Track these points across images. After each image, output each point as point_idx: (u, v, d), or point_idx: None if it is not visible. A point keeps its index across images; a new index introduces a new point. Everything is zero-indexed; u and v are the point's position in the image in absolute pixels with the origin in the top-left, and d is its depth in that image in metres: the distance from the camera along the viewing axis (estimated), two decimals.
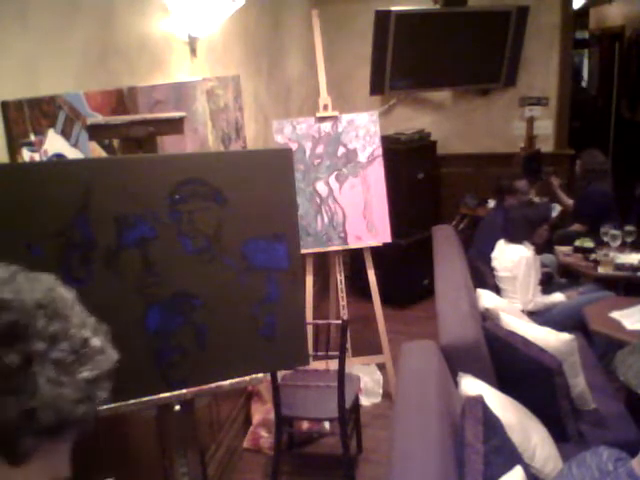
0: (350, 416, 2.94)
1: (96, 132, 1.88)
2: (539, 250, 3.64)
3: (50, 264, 1.62)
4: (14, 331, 0.69)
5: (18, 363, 0.67)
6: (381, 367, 3.77)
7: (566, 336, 2.56)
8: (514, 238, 3.52)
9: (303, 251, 3.36)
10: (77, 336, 0.73)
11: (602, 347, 3.25)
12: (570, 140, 5.53)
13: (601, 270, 3.72)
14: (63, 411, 0.69)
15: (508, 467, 1.68)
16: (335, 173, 3.52)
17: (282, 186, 1.84)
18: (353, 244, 3.55)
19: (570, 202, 4.78)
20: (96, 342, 0.75)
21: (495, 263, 3.59)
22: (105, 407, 1.72)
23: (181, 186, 1.70)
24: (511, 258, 3.47)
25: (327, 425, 3.28)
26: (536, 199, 4.67)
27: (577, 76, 9.35)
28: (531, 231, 3.54)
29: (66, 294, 0.78)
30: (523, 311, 3.32)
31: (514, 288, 3.47)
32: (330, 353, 2.87)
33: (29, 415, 0.67)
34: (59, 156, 1.92)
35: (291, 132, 3.49)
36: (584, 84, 9.72)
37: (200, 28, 2.79)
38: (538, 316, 3.31)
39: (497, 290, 3.49)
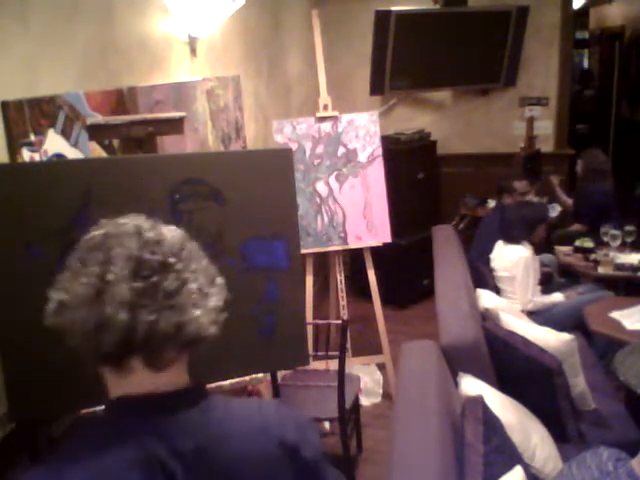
0: (350, 416, 2.94)
1: (96, 132, 1.88)
2: (538, 250, 3.64)
3: (50, 264, 1.62)
4: (169, 262, 0.87)
5: (174, 287, 0.86)
6: (381, 367, 3.77)
7: (566, 336, 2.56)
8: (512, 238, 3.52)
9: (303, 251, 3.36)
10: (209, 272, 0.94)
11: (602, 347, 3.25)
12: (577, 144, 5.54)
13: (601, 270, 3.72)
14: (201, 328, 0.89)
15: (508, 467, 1.68)
16: (335, 173, 3.52)
17: (282, 186, 1.84)
18: (353, 244, 3.55)
19: (569, 201, 4.78)
20: (219, 280, 0.95)
21: (494, 263, 3.59)
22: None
23: (181, 186, 1.71)
24: (510, 258, 3.47)
25: (327, 425, 3.28)
26: (535, 199, 4.67)
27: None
28: (529, 231, 3.54)
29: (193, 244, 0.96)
30: (523, 311, 3.32)
31: (513, 288, 3.47)
32: (330, 353, 2.87)
33: (179, 328, 0.86)
34: (59, 156, 1.92)
35: (291, 132, 3.49)
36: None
37: (200, 28, 2.79)
38: (538, 316, 3.31)
39: (497, 290, 3.49)
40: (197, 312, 0.88)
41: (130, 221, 0.93)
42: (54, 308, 0.88)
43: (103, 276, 0.84)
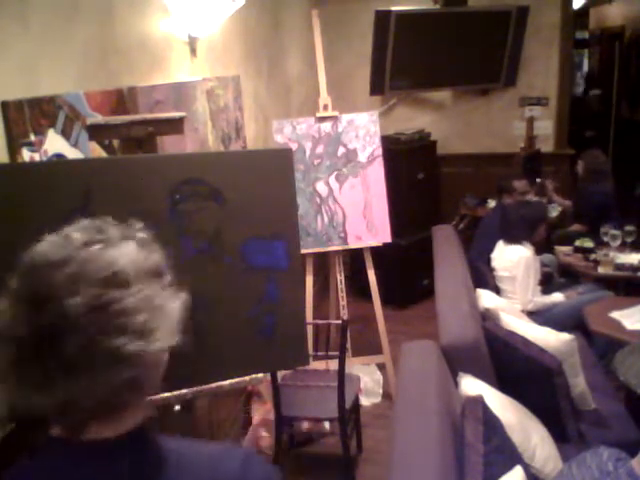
0: (350, 416, 2.94)
1: (96, 132, 1.88)
2: (538, 250, 3.63)
3: None
4: (44, 337, 0.75)
5: (47, 370, 0.75)
6: (381, 367, 3.77)
7: (566, 336, 2.56)
8: (513, 238, 3.51)
9: (303, 251, 3.36)
10: (110, 343, 0.77)
11: (602, 347, 3.25)
12: (577, 144, 5.54)
13: (601, 270, 3.72)
14: (103, 400, 0.77)
15: (508, 467, 1.68)
16: (335, 173, 3.52)
17: (282, 186, 1.84)
18: (353, 244, 3.55)
19: (567, 203, 4.78)
20: (133, 347, 0.78)
21: (494, 263, 3.59)
22: None
23: (181, 186, 1.71)
24: (510, 258, 3.47)
25: (327, 425, 3.28)
26: (535, 199, 4.67)
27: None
28: (529, 231, 3.54)
29: (114, 294, 0.80)
30: (523, 311, 3.32)
31: (513, 288, 3.47)
32: (330, 353, 2.87)
33: (64, 408, 0.76)
34: (59, 156, 1.92)
35: (291, 132, 3.49)
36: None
37: (200, 28, 2.79)
38: (538, 316, 3.31)
39: (497, 290, 3.49)
40: (85, 390, 0.76)
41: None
42: None
43: None
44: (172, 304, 0.83)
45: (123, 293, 0.77)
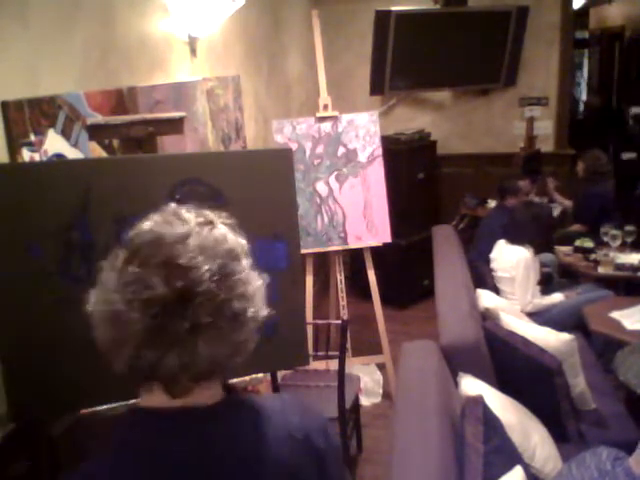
0: (350, 416, 2.94)
1: (96, 132, 1.88)
2: (538, 250, 3.63)
3: (49, 264, 1.62)
4: (185, 299, 0.81)
5: (185, 328, 0.81)
6: (381, 367, 3.77)
7: (566, 336, 2.56)
8: (518, 239, 3.50)
9: (303, 251, 3.36)
10: (235, 307, 0.86)
11: (600, 346, 3.24)
12: (577, 145, 5.53)
13: (601, 270, 3.72)
14: (215, 364, 0.85)
15: (508, 467, 1.68)
16: (335, 173, 3.52)
17: (282, 186, 1.84)
18: (353, 244, 3.55)
19: (567, 202, 4.78)
20: (250, 313, 0.89)
21: (494, 264, 3.59)
22: (105, 407, 1.72)
23: (181, 186, 1.71)
24: (510, 259, 3.46)
25: None
26: (536, 199, 4.67)
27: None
28: (539, 230, 3.54)
29: (233, 266, 0.88)
30: (522, 311, 3.32)
31: (512, 289, 3.47)
32: (330, 353, 2.87)
33: (185, 366, 0.82)
34: (59, 156, 1.92)
35: (291, 132, 3.49)
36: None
37: (200, 28, 2.79)
38: (538, 316, 3.31)
39: (496, 291, 3.48)
40: (207, 352, 0.84)
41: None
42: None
43: (129, 302, 0.83)
44: (260, 281, 0.92)
45: (239, 266, 0.88)
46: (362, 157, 3.52)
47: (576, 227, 4.55)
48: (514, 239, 3.51)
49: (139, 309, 0.81)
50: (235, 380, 2.23)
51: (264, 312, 0.92)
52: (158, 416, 0.88)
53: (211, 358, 0.84)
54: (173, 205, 0.93)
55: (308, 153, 3.50)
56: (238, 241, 0.91)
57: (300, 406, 1.01)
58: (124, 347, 0.83)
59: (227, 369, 0.90)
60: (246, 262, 0.90)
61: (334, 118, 3.52)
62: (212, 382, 0.90)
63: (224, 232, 0.90)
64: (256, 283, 0.91)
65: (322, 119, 3.52)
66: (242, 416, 0.93)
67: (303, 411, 1.00)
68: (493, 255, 3.60)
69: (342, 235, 3.52)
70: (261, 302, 0.92)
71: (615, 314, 3.07)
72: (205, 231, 0.87)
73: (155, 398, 0.88)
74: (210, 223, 0.90)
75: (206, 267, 0.83)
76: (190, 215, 0.90)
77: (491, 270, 3.60)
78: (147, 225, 0.88)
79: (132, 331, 0.82)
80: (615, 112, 8.06)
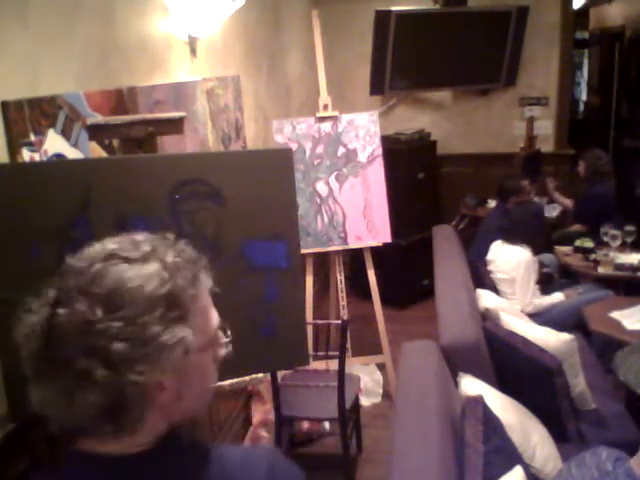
0: (350, 416, 2.94)
1: (96, 132, 1.88)
2: (538, 250, 3.63)
3: (49, 264, 1.62)
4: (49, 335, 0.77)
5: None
6: (381, 367, 3.77)
7: (566, 336, 2.56)
8: (517, 238, 3.49)
9: (303, 251, 3.36)
10: (79, 364, 0.75)
11: (600, 346, 3.24)
12: (577, 145, 5.53)
13: (601, 270, 3.72)
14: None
15: (508, 467, 1.68)
16: (335, 173, 3.52)
17: (282, 186, 1.84)
18: (353, 244, 3.55)
19: (567, 202, 4.78)
20: (99, 374, 0.76)
21: (491, 266, 3.56)
22: None
23: (181, 186, 1.71)
24: (509, 259, 3.46)
25: (327, 425, 3.28)
26: (536, 199, 4.67)
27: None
28: (538, 227, 3.54)
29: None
30: (522, 311, 3.32)
31: (512, 290, 3.46)
32: (330, 353, 2.87)
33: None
34: (59, 156, 1.92)
35: (291, 132, 3.49)
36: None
37: (200, 28, 2.79)
38: (538, 316, 3.31)
39: (496, 291, 3.48)
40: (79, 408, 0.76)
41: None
42: None
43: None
44: (170, 338, 0.77)
45: (110, 315, 0.75)
46: (362, 157, 3.52)
47: (576, 227, 4.55)
48: (513, 239, 3.51)
49: (24, 341, 0.81)
50: (235, 380, 2.23)
51: (149, 377, 0.76)
52: (86, 458, 0.82)
53: (75, 416, 0.77)
54: (140, 232, 0.86)
55: (308, 153, 3.50)
56: (148, 287, 0.77)
57: (270, 460, 0.89)
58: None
59: (129, 425, 0.79)
60: (131, 312, 0.75)
61: (334, 118, 3.52)
62: (131, 433, 0.79)
63: (135, 273, 0.78)
64: (141, 339, 0.75)
65: (322, 119, 3.52)
66: (157, 472, 0.82)
67: (271, 468, 0.87)
68: (490, 256, 3.59)
69: (342, 235, 3.52)
70: (153, 363, 0.76)
71: (615, 314, 3.07)
72: (104, 267, 0.78)
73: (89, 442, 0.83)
74: (123, 258, 0.79)
75: (67, 309, 0.76)
76: (115, 245, 0.82)
77: (489, 272, 3.58)
78: (83, 250, 0.84)
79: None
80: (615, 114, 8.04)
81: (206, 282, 0.86)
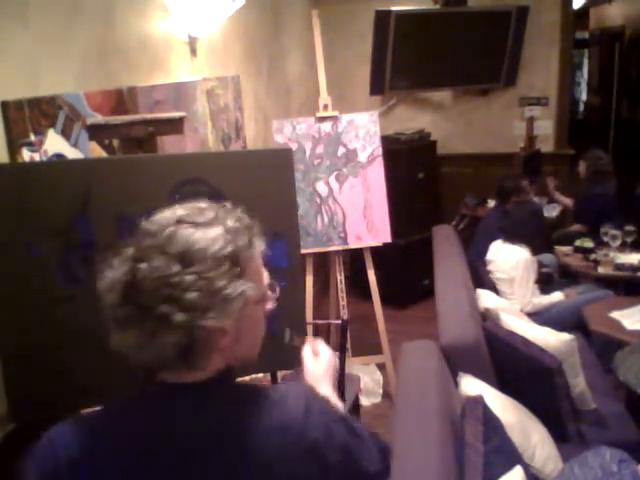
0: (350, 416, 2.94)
1: (96, 132, 1.88)
2: (537, 249, 3.63)
3: (49, 264, 1.62)
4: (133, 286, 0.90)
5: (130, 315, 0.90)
6: (381, 367, 3.77)
7: (566, 336, 2.56)
8: (517, 238, 3.49)
9: (303, 251, 3.35)
10: (160, 310, 0.88)
11: (600, 346, 3.24)
12: (577, 145, 5.53)
13: (601, 270, 3.72)
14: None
15: (508, 467, 1.68)
16: (335, 173, 3.52)
17: (282, 186, 1.84)
18: (353, 244, 3.55)
19: (567, 201, 4.77)
20: (178, 318, 0.89)
21: (491, 266, 3.55)
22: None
23: (181, 186, 1.71)
24: (508, 259, 3.46)
25: None
26: (535, 199, 4.67)
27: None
28: (538, 227, 3.54)
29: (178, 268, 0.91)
30: (522, 310, 3.32)
31: (512, 290, 3.46)
32: None
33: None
34: (59, 156, 1.92)
35: (291, 132, 3.49)
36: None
37: (200, 28, 2.79)
38: (538, 316, 3.31)
39: (495, 291, 3.48)
40: (142, 340, 0.90)
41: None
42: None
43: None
44: (232, 291, 0.91)
45: (184, 270, 0.88)
46: (362, 157, 3.52)
47: (576, 227, 4.54)
48: (513, 238, 3.51)
49: (107, 293, 0.91)
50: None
51: (217, 322, 0.90)
52: (152, 385, 0.97)
53: (149, 354, 0.91)
54: (200, 200, 0.99)
55: (308, 153, 3.50)
56: (213, 247, 0.91)
57: (307, 398, 1.00)
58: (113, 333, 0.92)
59: (196, 359, 0.93)
60: (201, 268, 0.89)
61: (334, 118, 3.52)
62: (196, 367, 0.94)
63: (201, 236, 0.91)
64: (209, 290, 0.89)
65: (322, 119, 3.52)
66: (220, 397, 0.96)
67: (308, 406, 0.97)
68: (489, 256, 3.58)
69: (342, 235, 3.52)
70: (220, 311, 0.90)
71: (615, 314, 3.07)
72: (175, 230, 0.91)
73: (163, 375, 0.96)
74: (191, 223, 0.92)
75: (146, 265, 0.89)
76: (182, 211, 0.95)
77: (488, 272, 3.58)
78: (154, 215, 0.96)
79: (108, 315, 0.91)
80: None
81: (259, 245, 1.02)
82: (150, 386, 0.97)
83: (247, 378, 2.29)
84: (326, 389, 1.26)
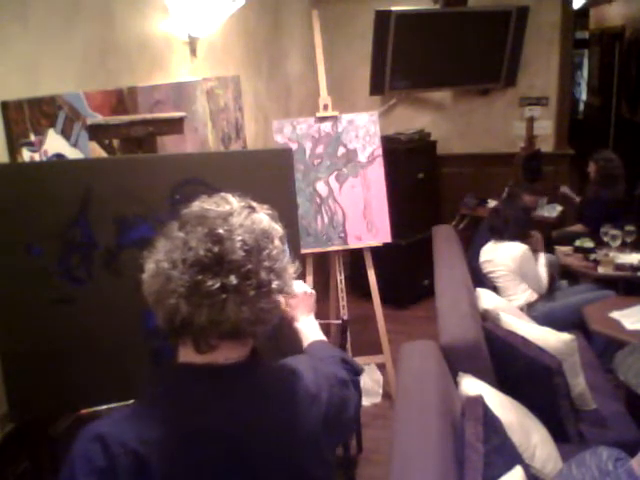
0: None
1: (96, 132, 1.88)
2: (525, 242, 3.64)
3: (49, 264, 1.62)
4: (220, 262, 0.96)
5: (216, 287, 0.95)
6: (381, 367, 3.77)
7: (566, 336, 2.56)
8: (510, 236, 3.49)
9: (303, 251, 3.35)
10: (261, 277, 0.99)
11: (600, 345, 3.24)
12: (577, 146, 5.53)
13: (601, 270, 3.72)
14: (238, 325, 0.98)
15: (508, 467, 1.68)
16: (335, 173, 3.52)
17: (282, 186, 1.84)
18: (353, 244, 3.55)
19: (575, 198, 4.76)
20: (275, 285, 1.01)
21: (489, 266, 3.53)
22: (104, 407, 1.72)
23: (181, 186, 1.71)
24: (509, 255, 3.45)
25: None
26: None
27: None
28: (528, 222, 3.56)
29: (265, 243, 1.02)
30: (522, 310, 3.32)
31: (514, 287, 3.46)
32: None
33: (213, 323, 0.96)
34: (59, 156, 1.92)
35: (291, 132, 3.49)
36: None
37: (200, 28, 2.79)
38: (538, 315, 3.30)
39: (495, 291, 3.47)
40: (233, 312, 0.96)
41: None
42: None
43: (174, 261, 0.97)
44: (290, 264, 1.06)
45: (270, 244, 1.01)
46: (362, 157, 3.52)
47: (578, 227, 4.53)
48: (507, 236, 3.50)
49: (180, 268, 0.96)
50: None
51: (290, 288, 1.05)
52: (186, 370, 1.02)
53: (235, 319, 0.96)
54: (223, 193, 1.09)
55: (308, 153, 3.50)
56: (273, 226, 1.05)
57: (312, 363, 1.16)
58: (165, 300, 0.96)
59: (250, 334, 1.02)
60: (278, 243, 1.04)
61: (334, 118, 3.52)
62: (236, 343, 1.02)
63: (261, 217, 1.04)
64: (285, 262, 1.04)
65: (322, 119, 3.52)
66: (263, 375, 1.06)
67: (315, 369, 1.14)
68: (487, 257, 3.55)
69: (342, 235, 3.52)
70: (289, 280, 1.05)
71: (615, 314, 3.07)
72: (245, 213, 1.02)
73: (187, 354, 1.02)
74: (251, 208, 1.05)
75: (239, 239, 0.97)
76: (235, 200, 1.06)
77: (488, 273, 3.56)
78: (197, 204, 1.05)
79: (173, 286, 0.95)
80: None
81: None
82: (193, 369, 1.01)
83: None
84: (307, 320, 1.45)
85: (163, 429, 0.94)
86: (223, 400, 0.99)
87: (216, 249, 0.96)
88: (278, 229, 1.06)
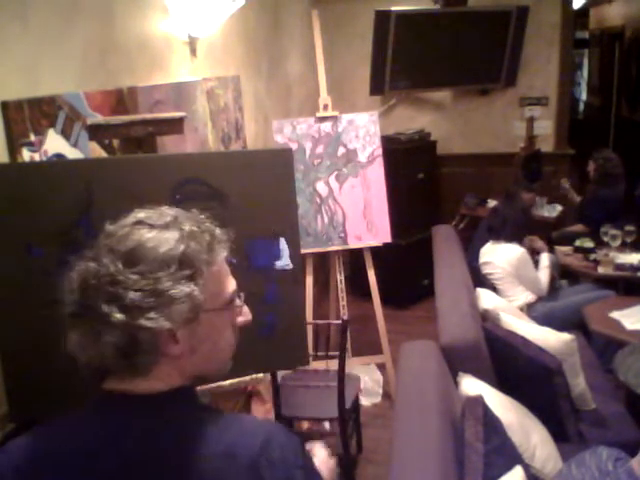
0: (350, 416, 2.94)
1: (96, 132, 1.88)
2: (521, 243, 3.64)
3: (50, 265, 1.62)
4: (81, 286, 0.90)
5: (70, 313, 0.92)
6: (381, 367, 3.77)
7: (566, 336, 2.56)
8: (508, 236, 3.49)
9: (303, 251, 3.35)
10: (101, 309, 0.88)
11: (600, 346, 3.24)
12: (577, 146, 5.52)
13: (601, 270, 3.72)
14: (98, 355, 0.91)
15: (508, 467, 1.68)
16: (335, 173, 3.52)
17: (282, 186, 1.84)
18: (353, 244, 3.55)
19: (576, 198, 4.76)
20: (115, 318, 0.88)
21: (488, 267, 3.53)
22: None
23: (181, 186, 1.70)
24: (506, 258, 3.45)
25: (327, 425, 3.28)
26: (537, 199, 4.67)
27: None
28: (527, 222, 3.57)
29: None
30: (522, 310, 3.32)
31: (512, 286, 3.46)
32: (330, 353, 2.87)
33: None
34: (59, 156, 1.92)
35: (291, 132, 3.49)
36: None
37: (200, 28, 2.79)
38: (538, 315, 3.31)
39: (495, 291, 3.47)
40: (84, 342, 0.91)
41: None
42: None
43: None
44: (178, 292, 0.88)
45: (128, 269, 0.87)
46: (362, 157, 3.52)
47: (578, 227, 4.53)
48: (504, 237, 3.50)
49: (66, 294, 0.93)
50: (235, 380, 2.23)
51: (159, 323, 0.87)
52: (102, 395, 0.95)
53: (93, 354, 0.90)
54: (169, 205, 0.99)
55: (308, 153, 3.50)
56: (163, 249, 0.89)
57: (268, 434, 0.92)
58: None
59: (146, 366, 0.91)
60: (146, 268, 0.87)
61: (334, 118, 3.52)
62: (144, 376, 0.91)
63: (154, 237, 0.90)
64: (154, 291, 0.87)
65: (322, 119, 3.52)
66: (168, 414, 0.92)
67: (267, 440, 0.91)
68: (486, 259, 3.55)
69: (342, 235, 3.52)
70: (163, 313, 0.87)
71: (615, 314, 3.07)
72: (130, 231, 0.91)
73: (115, 379, 0.94)
74: (147, 225, 0.92)
75: (94, 264, 0.90)
76: (142, 214, 0.95)
77: (487, 274, 3.56)
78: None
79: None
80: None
81: (221, 252, 0.99)
82: (97, 396, 0.95)
83: (247, 378, 2.29)
84: None
85: (44, 452, 0.92)
86: (108, 433, 0.91)
87: (84, 275, 0.93)
88: (173, 251, 0.90)
